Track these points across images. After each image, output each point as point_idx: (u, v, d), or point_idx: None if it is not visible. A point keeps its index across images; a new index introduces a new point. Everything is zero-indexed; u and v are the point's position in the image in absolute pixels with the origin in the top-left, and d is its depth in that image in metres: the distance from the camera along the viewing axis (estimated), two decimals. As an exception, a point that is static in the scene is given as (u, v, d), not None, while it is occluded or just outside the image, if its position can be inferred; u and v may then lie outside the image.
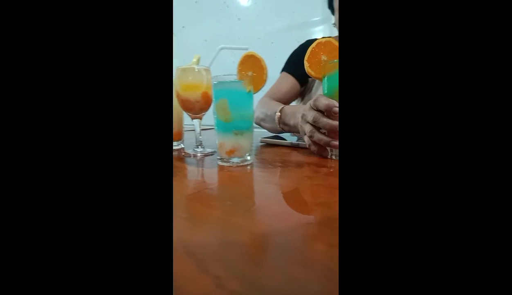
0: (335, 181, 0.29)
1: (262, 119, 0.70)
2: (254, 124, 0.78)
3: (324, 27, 1.33)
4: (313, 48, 0.44)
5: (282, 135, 0.57)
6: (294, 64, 0.77)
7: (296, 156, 0.43)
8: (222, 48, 0.44)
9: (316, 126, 0.39)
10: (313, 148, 0.41)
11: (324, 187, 0.28)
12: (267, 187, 0.29)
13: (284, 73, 0.78)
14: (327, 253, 0.15)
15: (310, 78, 0.74)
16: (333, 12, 0.74)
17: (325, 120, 0.37)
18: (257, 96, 0.39)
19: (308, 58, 0.43)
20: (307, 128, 0.40)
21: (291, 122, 0.53)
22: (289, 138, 0.55)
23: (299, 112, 0.48)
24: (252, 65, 0.38)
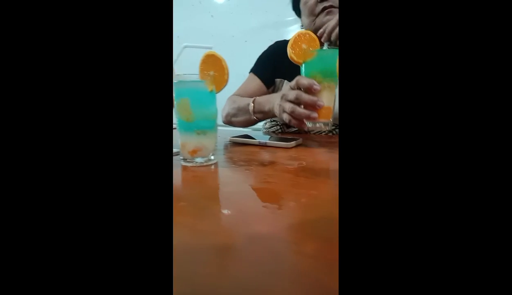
0: (295, 179, 0.30)
1: (234, 115, 0.71)
2: (223, 124, 0.78)
3: (297, 27, 1.35)
4: (295, 37, 0.51)
5: (252, 135, 0.58)
6: (262, 66, 0.79)
7: (262, 155, 0.43)
8: (185, 47, 0.43)
9: (295, 103, 0.47)
10: (293, 122, 0.49)
11: (285, 185, 0.28)
12: (227, 187, 0.29)
13: (252, 74, 0.79)
14: (287, 254, 0.16)
15: (277, 80, 0.76)
16: (298, 14, 0.76)
17: (307, 96, 0.45)
18: (219, 97, 0.39)
19: (291, 45, 0.51)
20: (288, 105, 0.48)
21: (266, 108, 0.59)
22: (260, 137, 0.55)
23: (273, 97, 0.57)
24: (213, 65, 0.38)
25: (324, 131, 0.67)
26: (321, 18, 0.64)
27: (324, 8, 0.64)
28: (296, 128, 0.78)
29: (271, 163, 0.38)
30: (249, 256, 0.15)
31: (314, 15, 0.67)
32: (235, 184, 0.30)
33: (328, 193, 0.26)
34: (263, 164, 0.37)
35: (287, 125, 0.80)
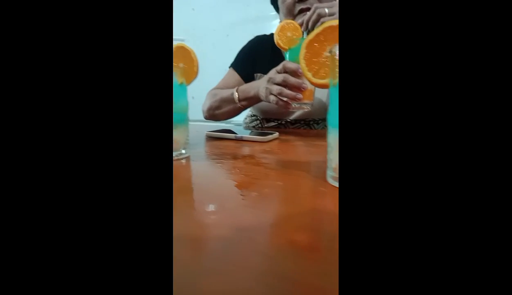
0: (264, 171, 0.30)
1: (217, 107, 0.71)
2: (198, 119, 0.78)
3: (278, 22, 1.35)
4: (282, 26, 0.56)
5: (233, 129, 0.58)
6: (241, 62, 0.78)
7: (236, 149, 0.43)
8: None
9: (282, 85, 0.51)
10: (280, 103, 0.52)
11: (253, 178, 0.28)
12: (198, 180, 0.29)
13: (231, 69, 0.79)
14: (241, 241, 0.16)
15: (257, 75, 0.76)
16: (277, 9, 0.76)
17: (293, 79, 0.49)
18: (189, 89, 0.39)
19: (278, 33, 0.55)
20: (275, 87, 0.52)
21: (251, 93, 0.62)
22: (241, 132, 0.55)
23: (257, 83, 0.61)
24: (182, 57, 0.38)
25: (305, 110, 0.69)
26: (299, 19, 0.64)
27: (301, 10, 0.65)
28: (276, 123, 0.78)
29: (244, 157, 0.38)
30: (212, 245, 0.15)
31: (292, 15, 0.67)
32: (204, 177, 0.30)
33: (293, 184, 0.26)
34: (235, 157, 0.37)
35: (266, 119, 0.80)
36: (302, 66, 0.27)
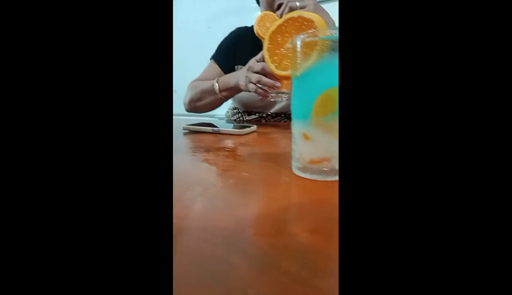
0: (233, 162, 0.31)
1: (199, 99, 0.70)
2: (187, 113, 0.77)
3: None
4: (261, 16, 0.56)
5: (215, 123, 0.57)
6: (222, 53, 0.78)
7: (212, 142, 0.43)
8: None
9: (261, 74, 0.52)
10: (259, 91, 0.53)
11: (221, 169, 0.29)
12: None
13: (212, 61, 0.78)
14: (193, 233, 0.16)
15: (237, 66, 0.75)
16: (258, 3, 0.75)
17: None
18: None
19: (258, 23, 0.55)
20: (255, 76, 0.53)
21: (232, 83, 0.62)
22: (223, 125, 0.55)
23: (237, 73, 0.62)
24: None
25: (284, 100, 0.70)
26: (278, 14, 0.65)
27: (280, 5, 0.65)
28: (257, 116, 0.79)
29: (217, 149, 0.38)
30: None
31: (272, 9, 0.68)
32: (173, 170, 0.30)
33: (258, 174, 0.27)
34: (208, 150, 0.37)
35: (248, 112, 0.80)
36: (266, 57, 0.27)
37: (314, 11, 0.51)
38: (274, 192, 0.22)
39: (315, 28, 0.25)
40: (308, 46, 0.22)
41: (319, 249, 0.14)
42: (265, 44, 0.27)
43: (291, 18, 0.25)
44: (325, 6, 1.15)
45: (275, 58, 0.26)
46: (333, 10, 1.09)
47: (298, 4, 0.52)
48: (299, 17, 0.24)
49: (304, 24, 0.24)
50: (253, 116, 0.79)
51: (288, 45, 0.26)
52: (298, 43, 0.23)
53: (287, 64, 0.26)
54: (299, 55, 0.23)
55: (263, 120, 0.77)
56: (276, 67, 0.26)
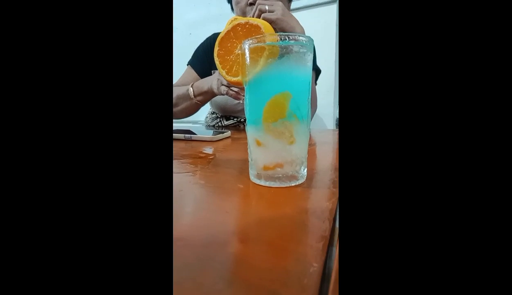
0: (193, 169, 0.30)
1: (175, 104, 0.70)
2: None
3: (243, 20, 1.35)
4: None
5: (193, 130, 0.56)
6: (198, 59, 0.78)
7: (183, 149, 0.43)
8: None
9: None
10: (230, 92, 0.54)
11: (179, 178, 0.28)
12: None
13: (189, 67, 0.78)
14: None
15: (214, 71, 0.75)
16: (232, 9, 0.76)
17: None
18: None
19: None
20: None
21: (205, 87, 0.62)
22: (202, 132, 0.54)
23: (210, 78, 0.62)
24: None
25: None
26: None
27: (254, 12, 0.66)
28: (234, 121, 0.78)
29: (183, 156, 0.37)
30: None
31: (244, 15, 0.68)
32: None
33: (215, 182, 0.26)
34: (176, 158, 0.36)
35: (226, 117, 0.80)
36: (217, 63, 0.27)
37: (282, 15, 0.52)
38: (224, 200, 0.22)
39: (262, 33, 0.25)
40: (254, 52, 0.22)
41: (245, 259, 0.14)
42: (216, 50, 0.27)
43: (239, 24, 0.25)
44: (324, 8, 1.16)
45: (225, 64, 0.26)
46: (332, 12, 1.10)
47: (267, 7, 0.52)
48: (246, 23, 0.24)
49: (252, 30, 0.24)
50: (231, 121, 0.79)
51: (237, 51, 0.26)
52: (246, 49, 0.23)
53: (237, 70, 0.26)
54: (246, 61, 0.23)
55: (242, 126, 0.77)
56: (227, 73, 0.26)
